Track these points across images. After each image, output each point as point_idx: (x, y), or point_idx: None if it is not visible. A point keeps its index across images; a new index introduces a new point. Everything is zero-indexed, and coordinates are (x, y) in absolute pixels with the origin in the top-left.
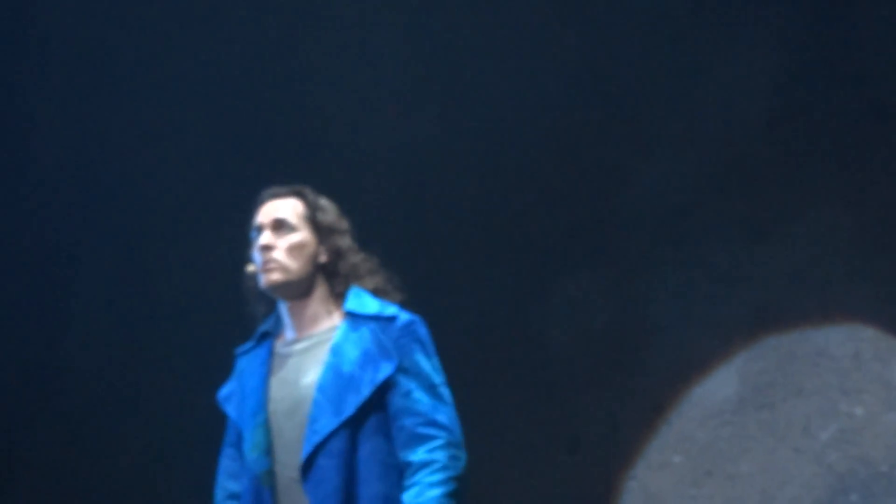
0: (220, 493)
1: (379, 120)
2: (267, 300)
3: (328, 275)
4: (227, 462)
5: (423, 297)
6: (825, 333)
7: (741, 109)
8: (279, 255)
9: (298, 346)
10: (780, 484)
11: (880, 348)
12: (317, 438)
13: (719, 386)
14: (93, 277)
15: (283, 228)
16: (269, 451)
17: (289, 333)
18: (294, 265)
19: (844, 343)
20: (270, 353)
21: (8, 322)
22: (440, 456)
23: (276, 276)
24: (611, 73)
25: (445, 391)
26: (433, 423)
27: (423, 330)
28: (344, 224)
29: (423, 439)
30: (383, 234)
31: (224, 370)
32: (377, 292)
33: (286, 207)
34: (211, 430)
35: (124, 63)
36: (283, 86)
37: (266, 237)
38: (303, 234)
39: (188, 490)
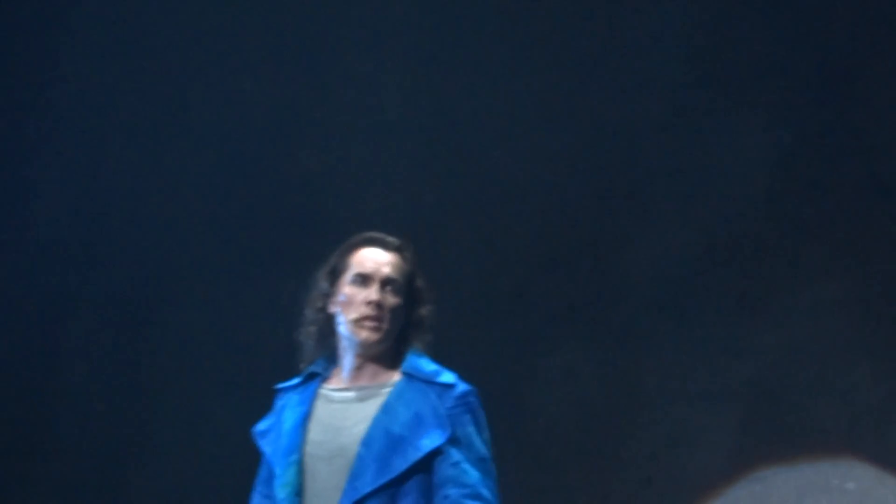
0: None
1: (377, 188)
2: (327, 340)
3: (403, 338)
4: (258, 499)
5: None
6: (820, 407)
7: (741, 182)
8: (388, 315)
9: (349, 395)
10: None
11: (874, 423)
12: (356, 495)
13: (711, 458)
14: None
15: (390, 287)
16: (300, 492)
17: (342, 379)
18: (394, 328)
19: (839, 417)
20: (315, 395)
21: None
22: None
23: (378, 336)
24: (611, 145)
25: (493, 467)
26: (478, 497)
27: (477, 401)
28: (430, 289)
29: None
30: None
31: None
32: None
33: (395, 265)
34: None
35: (122, 120)
36: (282, 149)
37: (377, 293)
38: (402, 298)
39: None
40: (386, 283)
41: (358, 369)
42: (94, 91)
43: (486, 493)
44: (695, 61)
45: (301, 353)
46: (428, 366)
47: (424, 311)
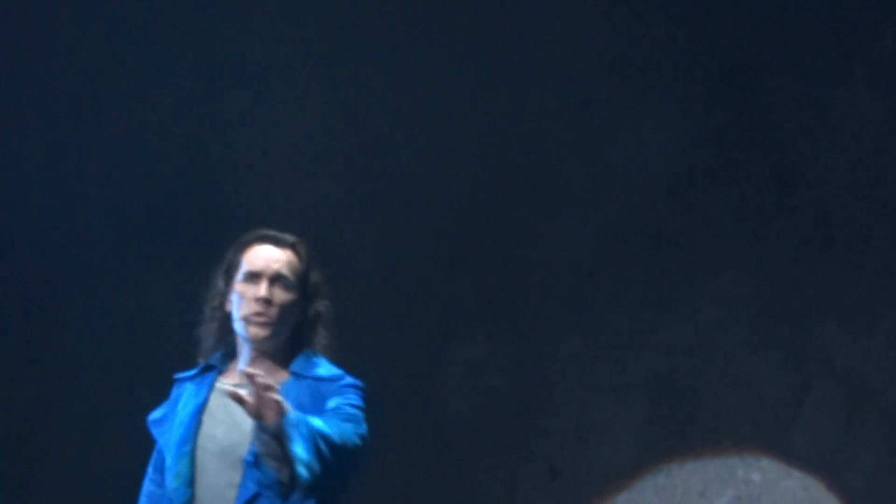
0: None
1: (280, 179)
2: (225, 338)
3: (296, 333)
4: (150, 487)
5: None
6: (725, 399)
7: (644, 174)
8: (275, 312)
9: (242, 391)
10: None
11: (779, 415)
12: (248, 494)
13: (617, 451)
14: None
15: (280, 284)
16: (191, 483)
17: (237, 374)
18: (284, 325)
19: (743, 409)
20: (210, 388)
21: None
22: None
23: (266, 333)
24: (514, 137)
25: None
26: (355, 415)
27: (361, 394)
28: (325, 285)
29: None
30: None
31: None
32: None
33: (286, 261)
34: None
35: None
36: (182, 144)
37: (265, 289)
38: (295, 295)
39: None
40: (275, 279)
41: (253, 365)
42: None
43: (359, 427)
44: (599, 54)
45: (199, 349)
46: (320, 365)
47: (320, 307)
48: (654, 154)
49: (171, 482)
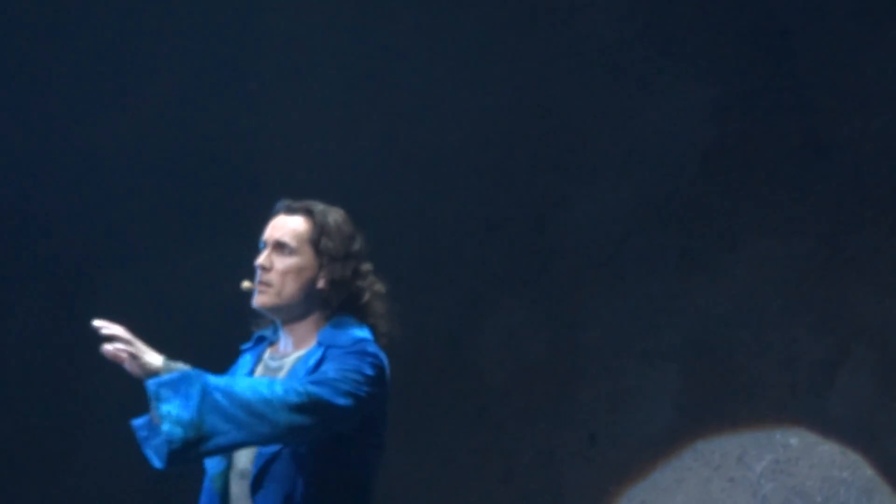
0: None
1: (314, 148)
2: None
3: (324, 300)
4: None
5: None
6: (760, 364)
7: (677, 140)
8: (273, 277)
9: (276, 363)
10: None
11: (815, 379)
12: (261, 461)
13: (654, 415)
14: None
15: (280, 251)
16: (227, 454)
17: (282, 346)
18: (286, 290)
19: (779, 374)
20: (258, 359)
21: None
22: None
23: (264, 299)
24: (548, 104)
25: (345, 388)
26: (331, 380)
27: (374, 354)
28: (352, 249)
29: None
30: None
31: None
32: (375, 324)
33: (290, 227)
34: None
35: (64, 85)
36: (217, 113)
37: (263, 257)
38: (301, 259)
39: None
40: (276, 246)
41: (288, 338)
42: (26, 59)
43: (316, 389)
44: (630, 19)
45: (255, 321)
46: (346, 333)
47: (340, 271)
48: (686, 120)
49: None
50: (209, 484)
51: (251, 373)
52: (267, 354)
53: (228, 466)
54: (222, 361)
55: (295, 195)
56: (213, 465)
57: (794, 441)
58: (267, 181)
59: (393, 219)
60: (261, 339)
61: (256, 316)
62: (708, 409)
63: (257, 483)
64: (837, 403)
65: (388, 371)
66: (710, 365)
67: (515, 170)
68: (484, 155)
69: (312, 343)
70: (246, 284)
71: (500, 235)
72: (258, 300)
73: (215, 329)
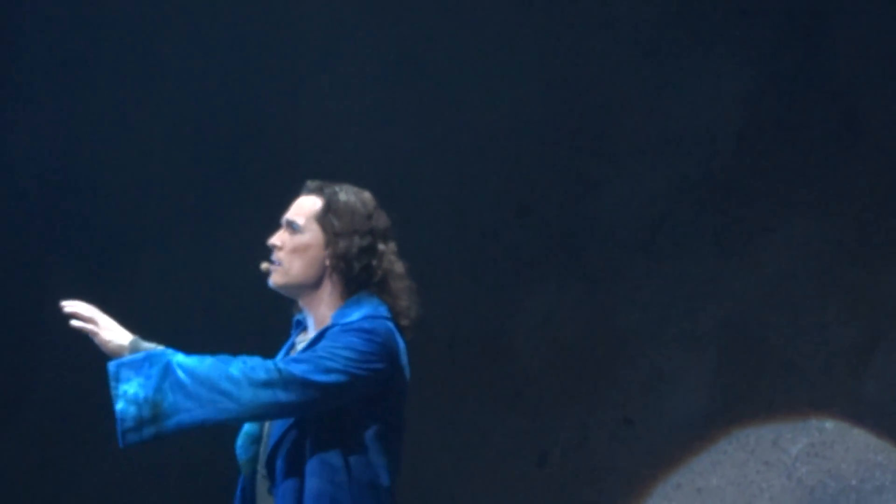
0: None
1: (354, 131)
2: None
3: (337, 278)
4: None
5: None
6: (795, 347)
7: (713, 122)
8: (283, 256)
9: (303, 346)
10: (749, 497)
11: (850, 362)
12: (271, 441)
13: (689, 399)
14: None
15: (290, 229)
16: (256, 441)
17: (309, 329)
18: (295, 268)
19: (814, 356)
20: (292, 345)
21: None
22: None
23: (276, 278)
24: (584, 87)
25: (330, 364)
26: (312, 358)
27: (372, 330)
28: (361, 227)
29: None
30: None
31: None
32: (392, 303)
33: (302, 206)
34: None
35: (101, 68)
36: (255, 95)
37: (276, 236)
38: (309, 236)
39: None
40: (287, 225)
41: (310, 318)
42: (65, 36)
43: (293, 367)
44: (666, 1)
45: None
46: (355, 312)
47: (348, 246)
48: (721, 101)
49: (240, 438)
50: (241, 471)
51: (285, 355)
52: (299, 338)
53: (256, 453)
54: (258, 341)
55: (330, 176)
56: (242, 451)
57: (828, 424)
58: (304, 165)
59: (428, 203)
60: (299, 324)
61: (292, 300)
62: (743, 393)
63: (271, 465)
64: (872, 386)
65: (399, 348)
66: (746, 348)
67: (550, 153)
68: (519, 138)
69: (329, 323)
70: (264, 266)
71: (535, 219)
72: (272, 279)
73: (251, 310)
